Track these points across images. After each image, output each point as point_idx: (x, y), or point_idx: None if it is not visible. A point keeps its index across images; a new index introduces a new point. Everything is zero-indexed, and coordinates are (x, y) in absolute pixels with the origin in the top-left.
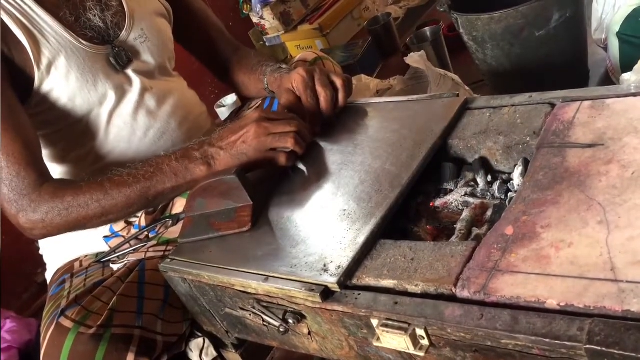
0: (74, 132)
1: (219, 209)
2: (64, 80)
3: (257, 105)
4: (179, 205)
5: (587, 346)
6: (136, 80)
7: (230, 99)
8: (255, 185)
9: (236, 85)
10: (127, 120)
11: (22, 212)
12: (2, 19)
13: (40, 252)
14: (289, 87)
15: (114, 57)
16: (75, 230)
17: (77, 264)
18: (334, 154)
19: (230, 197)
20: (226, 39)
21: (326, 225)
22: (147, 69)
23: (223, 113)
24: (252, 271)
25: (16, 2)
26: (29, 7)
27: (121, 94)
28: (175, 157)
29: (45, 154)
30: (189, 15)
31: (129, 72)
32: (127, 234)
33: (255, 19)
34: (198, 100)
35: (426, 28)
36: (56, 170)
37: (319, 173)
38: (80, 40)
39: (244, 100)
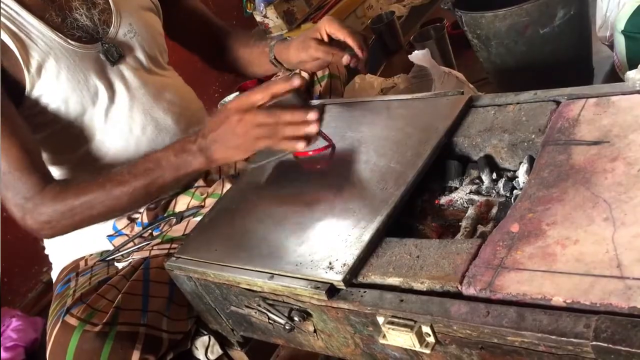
0: (70, 134)
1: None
2: (55, 81)
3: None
4: (182, 203)
5: (594, 343)
6: (129, 77)
7: (234, 97)
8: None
9: (235, 63)
10: (123, 118)
11: (28, 215)
12: None
13: (46, 251)
14: (315, 35)
15: (104, 53)
16: (83, 227)
17: (82, 263)
18: (338, 152)
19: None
20: (217, 22)
21: (331, 223)
22: (139, 65)
23: None
24: (257, 269)
25: (3, 9)
26: (15, 11)
27: (114, 92)
28: (173, 151)
29: (44, 157)
30: (179, 6)
31: (121, 68)
32: (131, 231)
33: (258, 18)
34: (194, 96)
35: (430, 26)
36: (55, 173)
37: (324, 171)
38: (69, 40)
39: None
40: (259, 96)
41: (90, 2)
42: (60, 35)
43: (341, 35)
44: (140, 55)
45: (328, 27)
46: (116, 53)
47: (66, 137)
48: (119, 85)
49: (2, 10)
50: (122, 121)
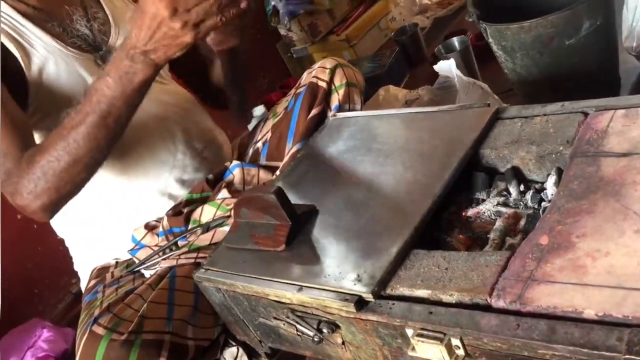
0: None
1: (261, 222)
2: (54, 84)
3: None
4: (208, 213)
5: (627, 356)
6: None
7: (259, 110)
8: (298, 205)
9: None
10: None
11: (17, 194)
12: None
13: (75, 267)
14: None
15: (101, 59)
16: (66, 188)
17: (108, 275)
18: (365, 165)
19: (271, 213)
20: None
21: (359, 235)
22: None
23: (251, 123)
24: (286, 281)
25: (5, 19)
26: (17, 21)
27: None
28: (110, 77)
29: None
30: None
31: None
32: (150, 241)
33: (282, 31)
34: (193, 98)
35: (454, 38)
36: None
37: (351, 184)
38: (68, 47)
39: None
40: None
41: (90, 15)
42: (60, 42)
43: None
44: None
45: None
46: None
47: None
48: None
49: (4, 20)
50: None
